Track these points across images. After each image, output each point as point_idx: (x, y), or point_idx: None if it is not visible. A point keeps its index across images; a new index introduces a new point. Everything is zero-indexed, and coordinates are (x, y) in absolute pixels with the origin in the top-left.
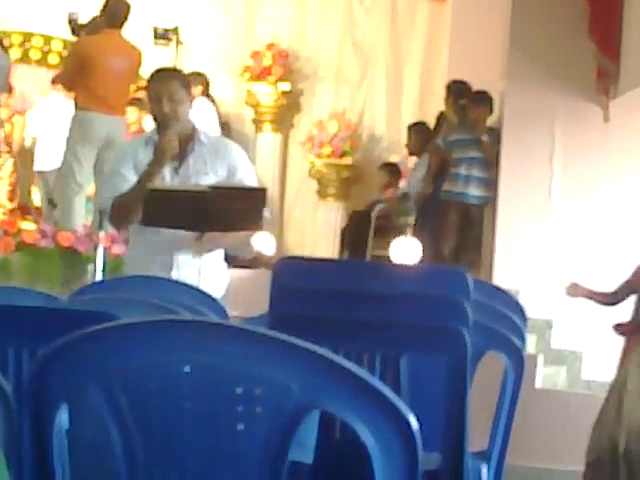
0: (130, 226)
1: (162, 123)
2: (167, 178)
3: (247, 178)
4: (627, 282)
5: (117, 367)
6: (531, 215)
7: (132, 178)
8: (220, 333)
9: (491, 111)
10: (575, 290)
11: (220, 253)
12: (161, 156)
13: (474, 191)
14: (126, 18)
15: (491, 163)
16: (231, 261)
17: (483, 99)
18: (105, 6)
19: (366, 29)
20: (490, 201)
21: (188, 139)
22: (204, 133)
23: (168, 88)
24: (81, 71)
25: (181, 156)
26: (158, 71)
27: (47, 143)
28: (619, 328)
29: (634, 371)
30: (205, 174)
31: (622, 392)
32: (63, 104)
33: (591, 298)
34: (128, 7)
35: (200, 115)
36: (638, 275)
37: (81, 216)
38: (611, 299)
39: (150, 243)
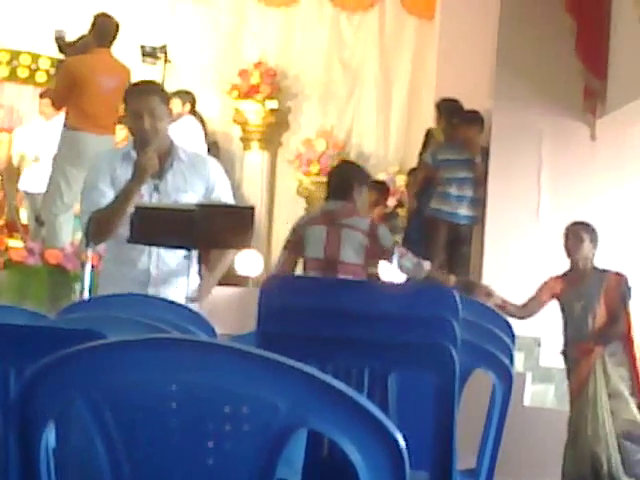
0: (107, 242)
1: (142, 139)
2: (145, 195)
3: (224, 195)
4: (533, 298)
5: (104, 385)
6: (519, 232)
7: (110, 193)
8: (208, 351)
9: (482, 131)
10: (488, 297)
11: (194, 273)
12: (141, 174)
13: (465, 211)
14: (115, 37)
15: (480, 182)
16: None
17: (475, 119)
18: (94, 24)
19: (354, 47)
20: (479, 220)
21: (166, 155)
22: (182, 149)
23: (148, 104)
24: (72, 90)
25: (159, 172)
26: (136, 85)
27: (34, 164)
28: (574, 352)
29: (601, 385)
30: (184, 191)
31: (596, 408)
32: (48, 127)
33: (503, 308)
34: (117, 25)
35: (187, 133)
36: (543, 291)
37: (68, 234)
38: (522, 312)
39: (126, 258)
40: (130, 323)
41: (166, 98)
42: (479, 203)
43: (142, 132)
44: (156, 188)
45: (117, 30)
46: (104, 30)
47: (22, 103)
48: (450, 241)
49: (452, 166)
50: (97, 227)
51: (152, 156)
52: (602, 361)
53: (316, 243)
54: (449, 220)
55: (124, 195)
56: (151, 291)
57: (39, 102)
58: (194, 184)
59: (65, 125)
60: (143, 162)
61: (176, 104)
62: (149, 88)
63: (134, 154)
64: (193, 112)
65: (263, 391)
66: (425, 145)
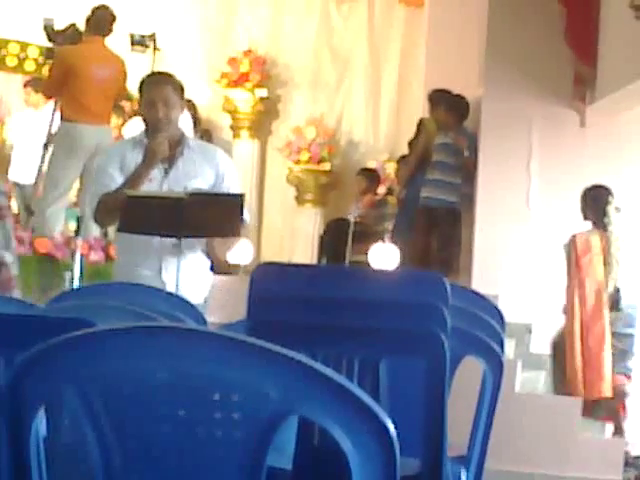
0: (118, 232)
1: (154, 127)
2: (156, 180)
3: (233, 186)
4: None
5: (94, 374)
6: (509, 220)
7: (119, 178)
8: (197, 339)
9: (443, 111)
10: None
11: (203, 257)
12: (151, 158)
13: (427, 193)
14: (110, 29)
15: (460, 169)
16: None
17: (437, 102)
18: (91, 15)
19: (343, 35)
20: (458, 206)
21: (177, 143)
22: (192, 139)
23: (162, 93)
24: (65, 80)
25: (171, 160)
26: (151, 75)
27: (24, 155)
28: None
29: None
30: (194, 177)
31: None
32: (37, 116)
33: None
34: (114, 18)
35: None
36: None
37: (59, 224)
38: None
39: (137, 247)
40: (120, 311)
41: (180, 88)
42: (453, 188)
43: (155, 120)
44: (167, 174)
45: (113, 22)
46: (100, 20)
47: (10, 92)
48: (429, 227)
49: (434, 149)
50: (106, 209)
51: (162, 141)
52: None
53: None
54: (423, 204)
55: (133, 178)
56: (165, 278)
57: (24, 91)
58: (204, 171)
59: (62, 117)
60: (153, 146)
61: None
62: (163, 78)
63: (145, 141)
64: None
65: (253, 379)
66: (417, 135)
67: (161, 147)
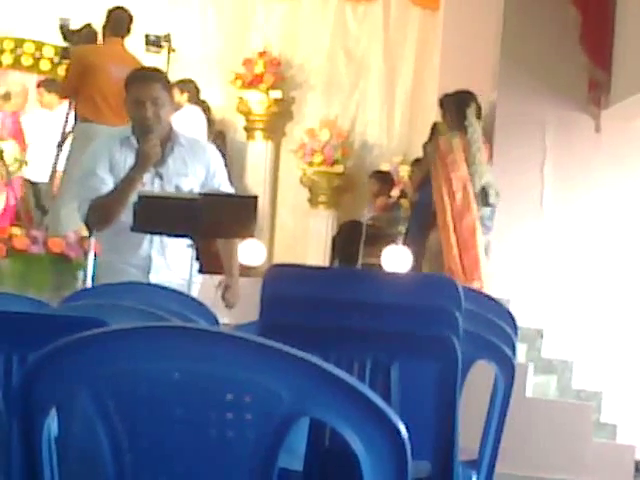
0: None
1: (144, 127)
2: (147, 181)
3: (224, 182)
4: None
5: (107, 373)
6: (522, 224)
7: (108, 179)
8: (210, 340)
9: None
10: None
11: (188, 259)
12: (145, 162)
13: None
14: (129, 29)
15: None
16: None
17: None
18: (108, 16)
19: (358, 37)
20: None
21: (166, 140)
22: (181, 134)
23: (150, 92)
24: (82, 79)
25: (161, 158)
26: (138, 72)
27: (37, 154)
28: None
29: None
30: (185, 176)
31: None
32: (52, 116)
33: None
34: (131, 18)
35: (187, 123)
36: None
37: (74, 223)
38: None
39: (126, 246)
40: (133, 311)
41: (168, 85)
42: None
43: (144, 120)
44: (157, 173)
45: (131, 22)
46: (117, 21)
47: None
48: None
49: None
50: (99, 215)
51: (156, 144)
52: None
53: None
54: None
55: (127, 183)
56: (153, 277)
57: (37, 91)
58: (195, 168)
59: (78, 117)
60: (147, 150)
61: (174, 94)
62: (151, 75)
63: (134, 140)
64: (195, 101)
65: (266, 380)
66: (431, 138)
67: (154, 150)
